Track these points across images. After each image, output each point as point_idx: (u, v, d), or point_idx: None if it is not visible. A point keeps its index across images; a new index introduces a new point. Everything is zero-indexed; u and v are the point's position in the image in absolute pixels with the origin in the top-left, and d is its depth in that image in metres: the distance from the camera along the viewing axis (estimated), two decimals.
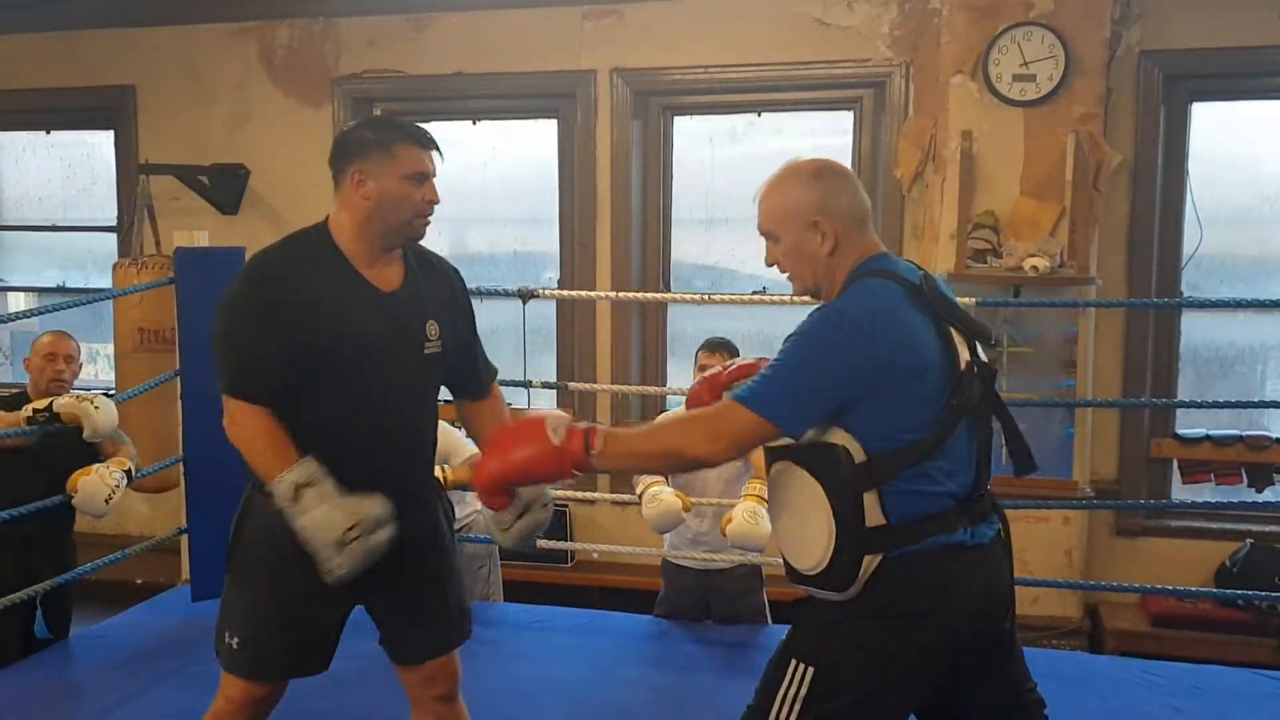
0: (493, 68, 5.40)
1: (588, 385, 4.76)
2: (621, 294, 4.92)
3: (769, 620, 3.82)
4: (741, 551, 3.64)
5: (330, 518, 2.02)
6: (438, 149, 2.18)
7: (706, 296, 4.22)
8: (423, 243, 2.28)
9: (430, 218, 2.19)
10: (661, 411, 4.95)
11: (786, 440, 1.88)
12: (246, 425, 2.11)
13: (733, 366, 2.33)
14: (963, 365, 1.87)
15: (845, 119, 5.24)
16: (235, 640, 2.22)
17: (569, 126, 5.44)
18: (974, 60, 4.52)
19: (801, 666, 1.86)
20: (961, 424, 1.86)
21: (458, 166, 5.65)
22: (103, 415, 3.31)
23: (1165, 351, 4.97)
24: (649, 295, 5.06)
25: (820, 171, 1.95)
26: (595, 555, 5.28)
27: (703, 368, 3.69)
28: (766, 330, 5.35)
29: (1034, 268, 4.32)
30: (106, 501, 3.35)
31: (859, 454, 1.81)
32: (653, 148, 5.42)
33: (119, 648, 3.61)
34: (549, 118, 5.54)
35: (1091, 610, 4.79)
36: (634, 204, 5.38)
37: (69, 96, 5.97)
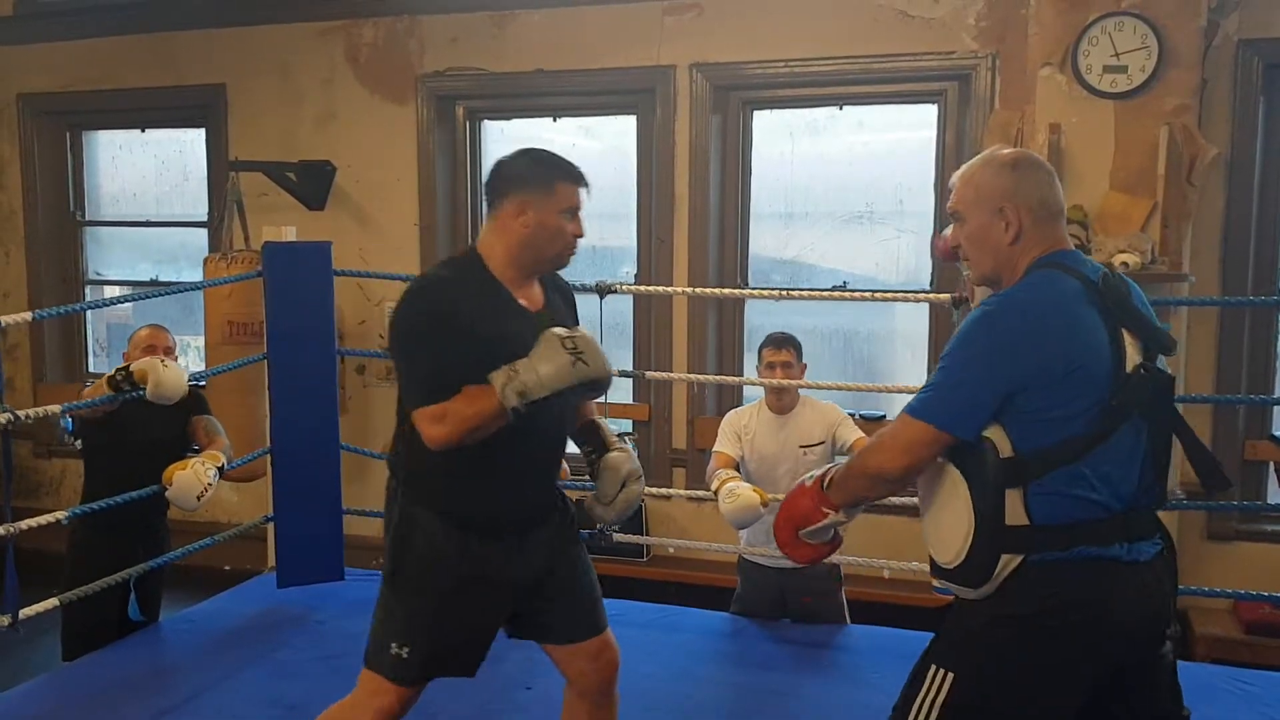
0: (573, 64, 5.43)
1: (663, 374, 4.78)
2: (698, 290, 4.91)
3: (847, 620, 3.79)
4: None
5: (550, 356, 2.11)
6: (588, 185, 2.31)
7: (784, 292, 4.18)
8: None
9: (576, 250, 2.33)
10: (737, 404, 4.93)
11: None
12: (447, 413, 2.14)
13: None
14: (1129, 367, 1.81)
15: (929, 112, 5.16)
16: (405, 650, 2.26)
17: (648, 122, 5.44)
18: (1063, 51, 4.41)
19: (941, 673, 1.83)
20: (1126, 431, 1.80)
21: None
22: (169, 375, 3.31)
23: (1262, 351, 4.81)
24: (725, 291, 5.04)
25: (1019, 161, 1.94)
26: (671, 550, 5.28)
27: (770, 365, 3.70)
28: (846, 326, 5.30)
29: (1124, 264, 4.21)
30: (199, 498, 3.41)
31: (1006, 449, 1.77)
32: (732, 142, 5.40)
33: (207, 632, 3.72)
34: (628, 113, 5.55)
35: (1181, 615, 4.65)
36: (712, 199, 5.37)
37: (163, 96, 6.14)
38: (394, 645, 2.27)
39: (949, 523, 1.83)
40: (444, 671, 2.34)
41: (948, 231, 2.38)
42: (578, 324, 2.45)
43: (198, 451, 3.63)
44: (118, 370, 3.38)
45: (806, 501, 2.04)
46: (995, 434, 1.78)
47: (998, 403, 1.77)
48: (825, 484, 2.02)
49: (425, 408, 2.16)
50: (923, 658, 1.90)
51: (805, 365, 3.80)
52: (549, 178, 2.24)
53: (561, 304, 2.42)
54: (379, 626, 2.31)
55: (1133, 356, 1.82)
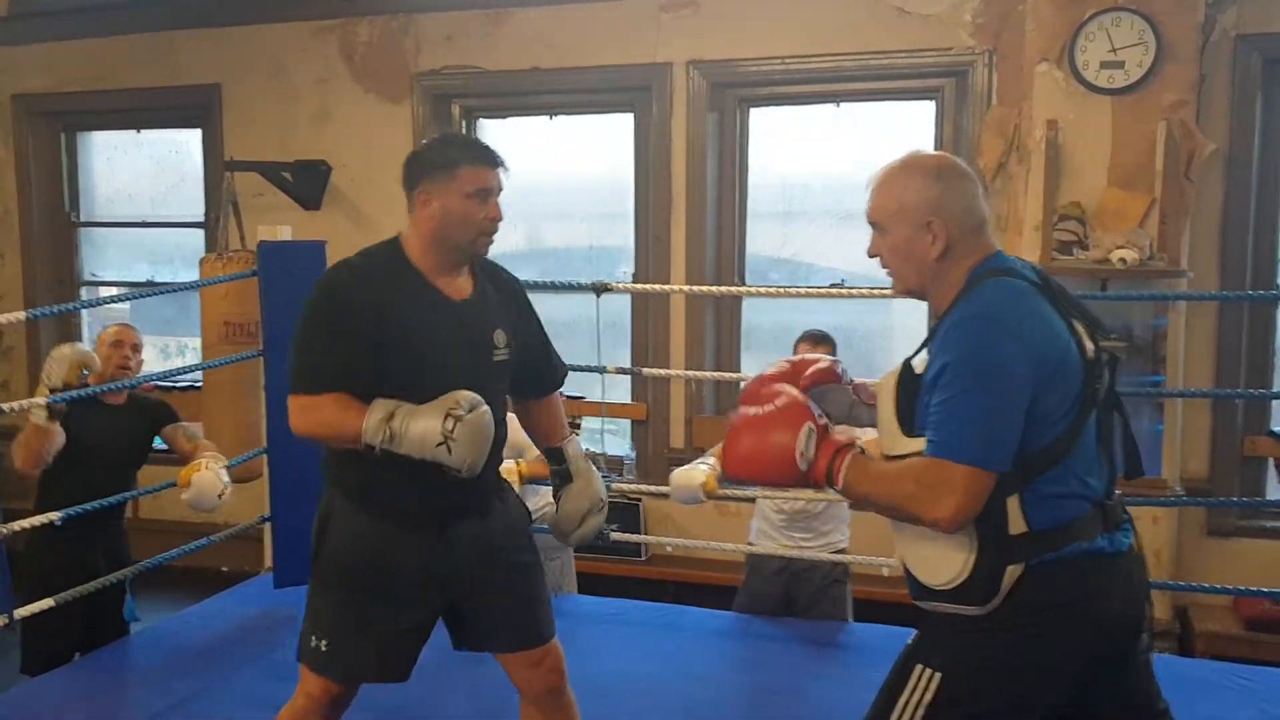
0: (569, 62, 5.42)
1: (661, 371, 4.79)
2: (694, 288, 4.89)
3: (850, 616, 3.79)
4: (827, 545, 3.72)
5: (427, 423, 2.07)
6: (502, 165, 2.22)
7: (782, 290, 4.17)
8: (499, 238, 2.31)
9: (493, 235, 2.24)
10: (734, 405, 4.92)
11: (915, 445, 1.75)
12: (315, 409, 2.15)
13: (812, 370, 2.07)
14: (1090, 354, 1.78)
15: (926, 109, 5.15)
16: (323, 643, 2.24)
17: (645, 120, 5.43)
18: (1060, 47, 4.40)
19: (927, 672, 1.79)
20: (1092, 423, 1.77)
21: (534, 162, 5.71)
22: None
23: (1260, 347, 4.80)
24: (722, 290, 5.02)
25: (942, 170, 1.85)
26: (669, 549, 5.26)
27: None
28: (844, 325, 5.26)
29: (1122, 260, 4.20)
30: (219, 497, 3.39)
31: None
32: (729, 140, 5.39)
33: (203, 633, 3.70)
34: (625, 112, 5.53)
35: (1181, 612, 4.65)
36: (709, 197, 5.36)
37: (158, 96, 6.13)
38: (314, 638, 2.25)
39: (943, 543, 1.75)
40: (366, 672, 2.28)
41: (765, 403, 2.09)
42: (523, 316, 2.41)
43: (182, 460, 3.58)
44: (47, 401, 3.28)
45: (789, 477, 1.81)
46: None
47: (1022, 422, 1.70)
48: (834, 479, 1.79)
49: (298, 395, 2.16)
50: (905, 657, 1.86)
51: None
52: (451, 162, 2.17)
53: (494, 294, 2.33)
54: (306, 617, 2.29)
55: (1087, 344, 1.80)
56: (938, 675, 1.78)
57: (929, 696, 1.78)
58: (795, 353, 3.75)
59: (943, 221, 1.81)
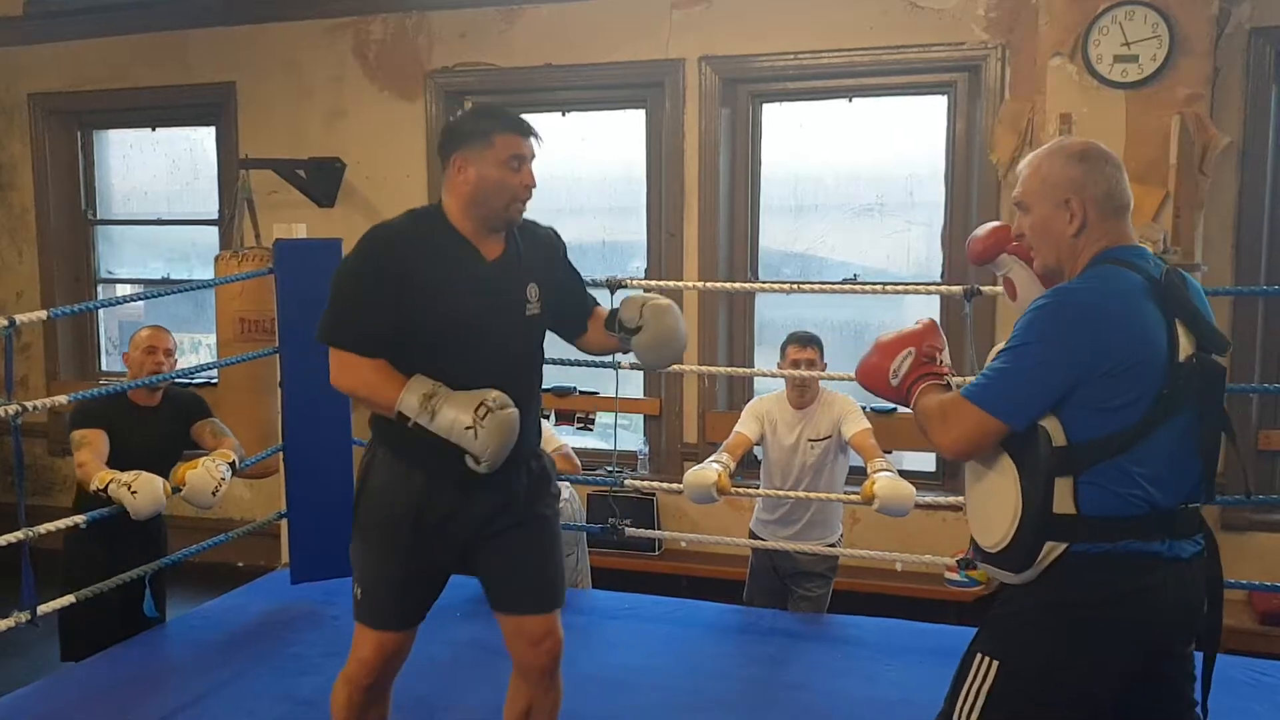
0: (582, 59, 5.43)
1: (674, 367, 4.79)
2: (708, 284, 4.90)
3: (825, 608, 3.89)
4: (822, 540, 3.80)
5: (460, 409, 2.16)
6: (535, 135, 2.30)
7: (795, 285, 4.18)
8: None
9: (527, 201, 2.32)
10: (748, 399, 4.92)
11: None
12: (357, 369, 2.23)
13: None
14: (1182, 357, 1.81)
15: (939, 104, 5.14)
16: (359, 590, 2.35)
17: (657, 116, 5.43)
18: (1073, 41, 4.39)
19: (987, 660, 1.85)
20: (1177, 424, 1.80)
21: (547, 158, 5.71)
22: (140, 500, 3.29)
23: (1275, 340, 4.78)
24: (736, 285, 5.02)
25: (1086, 153, 1.93)
26: (683, 544, 5.28)
27: (794, 362, 3.74)
28: (857, 319, 5.28)
29: None
30: (214, 494, 3.43)
31: (1059, 438, 1.77)
32: (741, 135, 5.39)
33: (220, 629, 3.73)
34: (637, 107, 5.54)
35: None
36: (722, 192, 5.36)
37: (173, 94, 6.16)
38: (357, 587, 2.35)
39: (995, 507, 1.84)
40: (386, 617, 2.35)
41: (980, 232, 2.44)
42: (555, 263, 2.47)
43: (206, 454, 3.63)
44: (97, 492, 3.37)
45: (884, 391, 2.06)
46: (1049, 422, 1.78)
47: (1057, 394, 1.77)
48: (909, 398, 2.01)
49: (341, 351, 2.24)
50: (969, 647, 1.91)
51: (826, 364, 3.85)
52: (487, 130, 2.26)
53: (527, 249, 2.39)
54: (352, 570, 2.38)
55: (1186, 348, 1.82)
56: (995, 663, 1.84)
57: (988, 684, 1.84)
58: (784, 355, 3.82)
59: (1081, 200, 1.90)
